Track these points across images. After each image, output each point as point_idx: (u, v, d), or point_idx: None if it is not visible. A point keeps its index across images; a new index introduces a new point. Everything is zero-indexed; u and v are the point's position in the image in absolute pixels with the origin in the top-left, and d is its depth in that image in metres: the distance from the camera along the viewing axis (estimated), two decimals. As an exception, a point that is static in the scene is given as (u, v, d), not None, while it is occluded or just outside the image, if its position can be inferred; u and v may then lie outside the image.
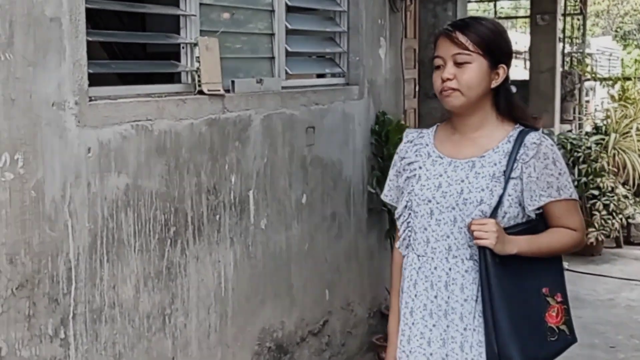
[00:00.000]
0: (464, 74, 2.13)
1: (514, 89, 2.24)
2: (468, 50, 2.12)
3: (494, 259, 2.08)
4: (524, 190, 2.12)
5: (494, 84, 2.17)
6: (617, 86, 8.88)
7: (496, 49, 2.16)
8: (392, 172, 2.38)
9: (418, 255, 2.23)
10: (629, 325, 5.17)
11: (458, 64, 2.13)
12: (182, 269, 2.97)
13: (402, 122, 4.70)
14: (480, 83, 2.14)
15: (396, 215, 2.33)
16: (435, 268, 2.19)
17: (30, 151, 2.30)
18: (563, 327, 2.17)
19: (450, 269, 2.17)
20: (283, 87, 3.70)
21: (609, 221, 6.65)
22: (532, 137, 2.14)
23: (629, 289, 6.03)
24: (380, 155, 4.43)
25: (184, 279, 2.98)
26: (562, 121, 9.20)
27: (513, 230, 2.12)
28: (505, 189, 2.11)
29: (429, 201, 2.19)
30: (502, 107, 2.21)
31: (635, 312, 5.44)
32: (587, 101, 11.85)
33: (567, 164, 6.75)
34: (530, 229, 2.15)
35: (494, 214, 2.10)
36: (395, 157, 2.38)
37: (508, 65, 2.21)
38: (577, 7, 10.65)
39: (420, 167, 2.26)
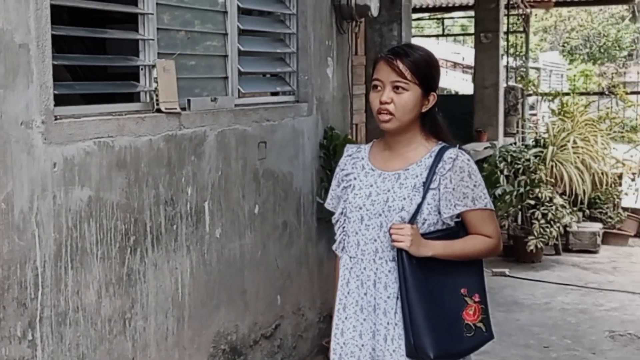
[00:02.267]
0: (400, 99, 2.38)
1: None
2: (406, 79, 2.38)
3: (411, 261, 2.34)
4: (440, 200, 2.38)
5: (424, 109, 2.44)
6: (557, 101, 9.27)
7: (429, 79, 2.43)
8: (334, 183, 2.64)
9: (350, 257, 2.49)
10: (562, 326, 5.49)
11: (396, 90, 2.38)
12: (141, 275, 3.13)
13: (350, 136, 4.96)
14: (413, 109, 2.41)
15: (333, 221, 2.58)
16: (365, 268, 2.45)
17: (1, 167, 2.45)
18: (480, 324, 2.41)
19: (377, 269, 2.43)
20: (236, 105, 3.92)
21: (547, 229, 6.99)
22: (449, 153, 2.41)
23: (565, 293, 6.37)
24: (329, 168, 4.67)
25: (143, 285, 3.14)
26: (506, 134, 9.57)
27: (432, 235, 2.39)
28: (424, 198, 2.37)
29: (360, 208, 2.45)
30: (429, 128, 2.48)
31: (568, 315, 5.76)
32: (534, 114, 12.25)
33: (508, 176, 7.19)
34: (449, 235, 2.41)
35: (412, 220, 2.36)
36: (337, 169, 2.64)
37: (436, 91, 2.48)
38: (520, 25, 11.08)
39: (355, 178, 2.52)
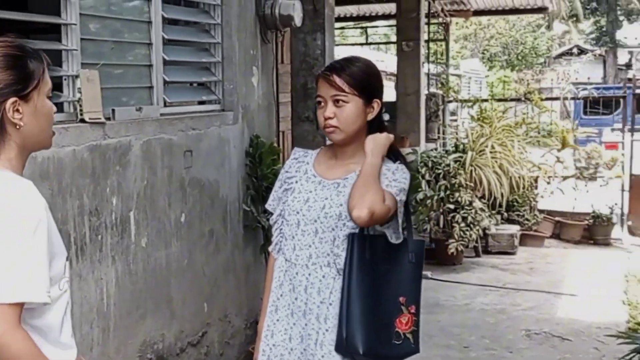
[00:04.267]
0: (342, 112, 2.46)
1: (386, 117, 2.63)
2: (344, 92, 2.45)
3: (362, 255, 2.40)
4: None
5: (369, 117, 2.51)
6: (477, 107, 9.55)
7: (369, 88, 2.50)
8: (277, 184, 2.68)
9: (286, 260, 2.54)
10: (482, 327, 5.67)
11: (337, 104, 2.46)
12: (66, 286, 3.14)
13: (275, 144, 5.03)
14: (357, 119, 2.48)
15: (271, 221, 2.65)
16: (297, 273, 2.51)
17: None
18: (409, 335, 2.47)
19: (309, 274, 2.48)
20: (162, 114, 3.93)
21: (467, 232, 7.21)
22: (389, 168, 2.49)
23: (484, 294, 6.58)
24: (255, 176, 4.73)
25: (68, 295, 3.15)
26: (428, 140, 9.79)
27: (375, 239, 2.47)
28: None
29: (297, 212, 2.51)
30: None
31: (487, 315, 5.96)
32: (455, 120, 12.56)
33: (430, 180, 7.38)
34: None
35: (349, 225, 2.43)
36: (282, 170, 2.69)
37: (381, 97, 2.56)
38: (441, 34, 11.36)
39: (296, 182, 2.58)
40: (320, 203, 2.50)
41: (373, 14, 12.25)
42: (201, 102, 4.57)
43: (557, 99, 10.86)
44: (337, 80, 2.47)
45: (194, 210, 4.17)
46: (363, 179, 2.40)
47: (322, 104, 2.51)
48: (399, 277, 2.49)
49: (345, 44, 16.08)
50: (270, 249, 2.67)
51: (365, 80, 2.50)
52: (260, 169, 4.69)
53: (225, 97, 4.58)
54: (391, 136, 2.52)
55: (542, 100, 9.90)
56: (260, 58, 4.88)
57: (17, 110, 1.77)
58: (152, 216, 3.78)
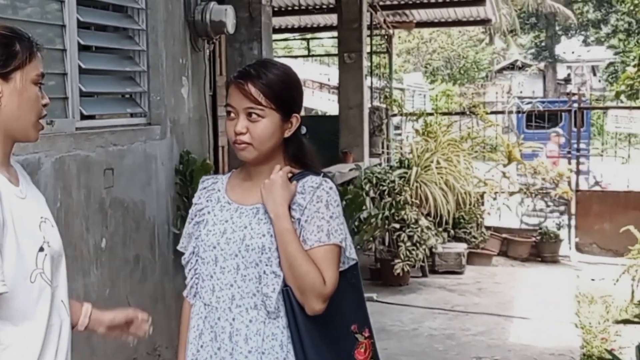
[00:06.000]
0: (256, 128, 2.09)
1: (303, 130, 2.26)
2: (260, 105, 2.09)
3: (303, 311, 2.06)
4: (302, 232, 2.09)
5: (287, 134, 2.15)
6: (421, 120, 9.35)
7: (289, 101, 2.14)
8: (187, 220, 2.31)
9: (205, 304, 2.17)
10: (430, 354, 5.39)
11: (250, 117, 2.10)
12: (-41, 327, 2.74)
13: (209, 161, 4.67)
14: (272, 137, 2.12)
15: (183, 262, 2.26)
16: (219, 318, 2.13)
17: None
18: None
19: (234, 319, 2.11)
20: (77, 128, 3.55)
21: (414, 252, 6.94)
22: (311, 181, 2.14)
23: (432, 317, 6.31)
24: (186, 195, 4.36)
25: (-39, 338, 2.75)
26: (372, 155, 9.53)
27: None
28: None
29: (214, 247, 2.14)
30: (292, 154, 2.20)
31: (436, 341, 5.68)
32: (399, 134, 12.38)
33: (374, 198, 7.09)
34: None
35: (277, 260, 2.08)
36: (192, 205, 2.32)
37: (300, 111, 2.21)
38: (383, 46, 11.15)
39: (208, 213, 2.21)
40: (239, 234, 2.12)
41: (315, 26, 12.00)
42: (133, 115, 4.17)
43: (502, 112, 10.77)
44: (252, 90, 2.09)
45: (116, 235, 3.79)
46: (285, 262, 2.05)
47: (233, 115, 2.13)
48: (343, 304, 2.15)
49: (290, 56, 15.82)
50: (184, 293, 2.28)
51: (284, 91, 2.13)
52: (192, 188, 4.31)
53: (151, 110, 4.21)
54: (286, 168, 2.16)
55: (487, 113, 9.75)
56: (191, 67, 4.52)
57: None
58: (66, 243, 3.31)
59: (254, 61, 2.34)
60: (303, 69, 15.22)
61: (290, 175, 2.17)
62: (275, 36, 12.77)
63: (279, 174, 2.13)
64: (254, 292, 2.10)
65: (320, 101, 18.61)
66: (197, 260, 2.20)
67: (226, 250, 2.12)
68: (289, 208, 2.11)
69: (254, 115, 2.10)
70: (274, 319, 2.09)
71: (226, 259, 2.12)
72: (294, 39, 14.49)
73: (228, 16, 4.53)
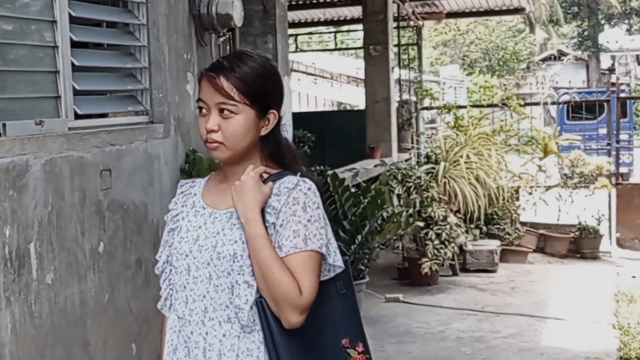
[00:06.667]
0: (229, 126, 1.93)
1: (284, 129, 2.08)
2: (234, 100, 1.92)
3: (280, 326, 1.87)
4: (277, 237, 1.91)
5: (263, 132, 1.98)
6: (452, 114, 9.07)
7: (265, 96, 1.97)
8: (165, 227, 2.15)
9: (178, 317, 2.01)
10: (456, 358, 5.16)
11: (222, 114, 1.93)
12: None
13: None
14: (247, 135, 1.95)
15: (157, 272, 2.10)
16: (192, 332, 1.97)
17: None
18: None
19: (207, 333, 1.94)
20: (70, 128, 3.40)
21: (442, 250, 6.68)
22: (287, 182, 1.96)
23: (461, 319, 6.05)
24: (193, 196, 4.19)
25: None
26: (400, 150, 9.28)
27: None
28: None
29: (187, 255, 1.98)
30: (270, 152, 2.02)
31: (463, 344, 5.43)
32: (434, 128, 12.11)
33: (400, 195, 6.85)
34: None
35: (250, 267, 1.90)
36: (168, 210, 2.16)
37: (279, 108, 2.03)
38: (413, 38, 10.89)
39: (183, 218, 2.05)
40: (211, 240, 1.95)
41: (342, 19, 11.78)
42: (137, 113, 4.02)
43: (536, 104, 10.40)
44: (225, 84, 1.92)
45: (115, 238, 3.64)
46: (257, 270, 1.88)
47: (205, 111, 1.97)
48: (332, 316, 1.97)
49: (315, 50, 15.62)
50: (158, 306, 2.11)
51: (259, 86, 1.95)
52: (199, 188, 4.14)
53: (154, 108, 4.04)
54: (260, 168, 1.97)
55: (521, 105, 9.41)
56: (197, 63, 4.34)
57: None
58: (59, 247, 3.25)
59: (231, 52, 2.15)
60: (333, 63, 15.01)
61: (266, 175, 1.99)
62: (300, 30, 12.60)
63: (250, 174, 1.95)
64: (227, 303, 1.93)
65: (350, 95, 18.36)
66: (170, 269, 2.05)
67: (198, 258, 1.96)
68: (263, 211, 1.92)
69: (226, 112, 1.93)
70: (249, 333, 1.92)
71: (199, 267, 1.96)
72: (325, 32, 14.26)
73: (235, 9, 4.34)
